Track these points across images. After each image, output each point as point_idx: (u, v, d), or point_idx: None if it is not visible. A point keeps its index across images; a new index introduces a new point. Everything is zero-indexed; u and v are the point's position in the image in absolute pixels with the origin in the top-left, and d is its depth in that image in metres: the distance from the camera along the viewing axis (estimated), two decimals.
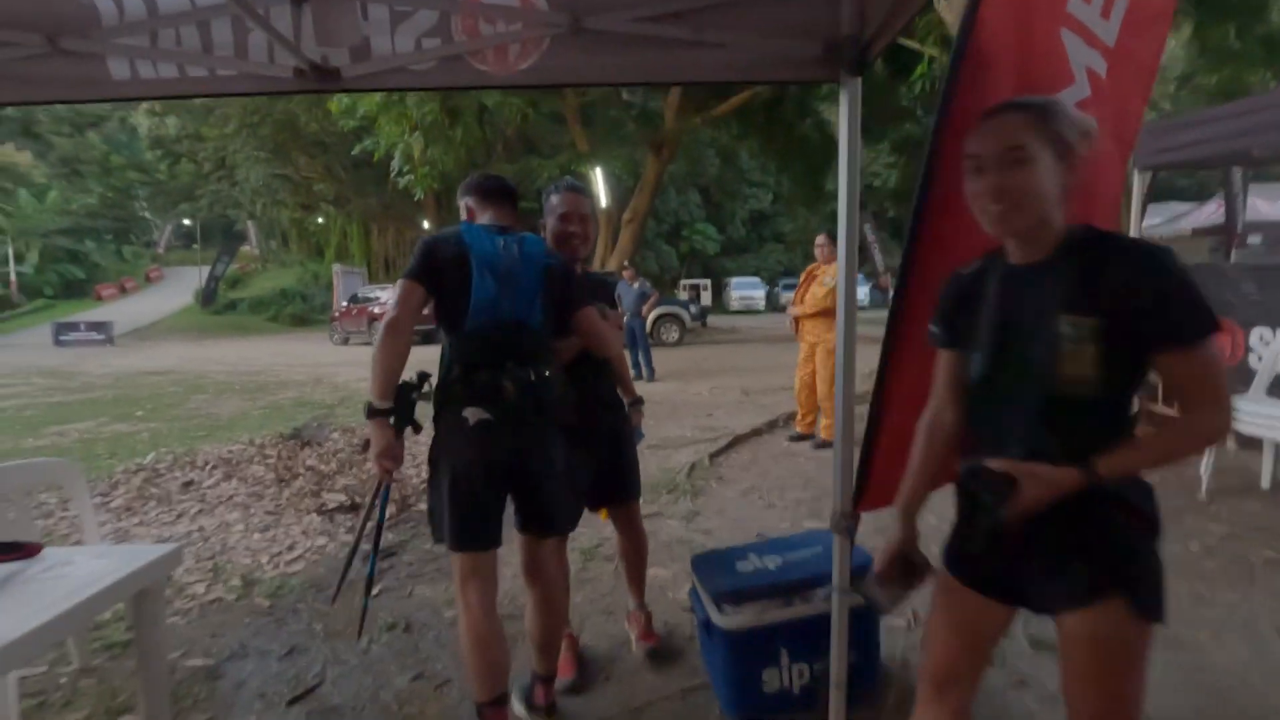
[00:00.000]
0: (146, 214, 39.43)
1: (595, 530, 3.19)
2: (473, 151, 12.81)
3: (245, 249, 36.02)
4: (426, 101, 9.73)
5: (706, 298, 30.02)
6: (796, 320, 5.14)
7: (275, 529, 3.55)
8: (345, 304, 19.41)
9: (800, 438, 5.20)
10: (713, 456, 4.72)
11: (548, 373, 1.73)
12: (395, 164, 11.19)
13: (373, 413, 1.60)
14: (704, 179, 31.13)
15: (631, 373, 8.41)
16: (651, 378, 8.86)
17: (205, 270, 30.42)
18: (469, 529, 1.66)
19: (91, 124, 33.15)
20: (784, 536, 2.32)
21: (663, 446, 5.07)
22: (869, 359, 1.55)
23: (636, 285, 9.00)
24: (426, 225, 26.69)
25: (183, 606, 2.75)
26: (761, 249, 38.48)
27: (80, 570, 1.56)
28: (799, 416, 5.26)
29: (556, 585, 1.92)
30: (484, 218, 1.87)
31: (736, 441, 5.15)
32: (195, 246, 35.70)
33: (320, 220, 32.18)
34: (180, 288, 32.20)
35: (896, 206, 24.24)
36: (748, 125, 18.20)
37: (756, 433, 5.45)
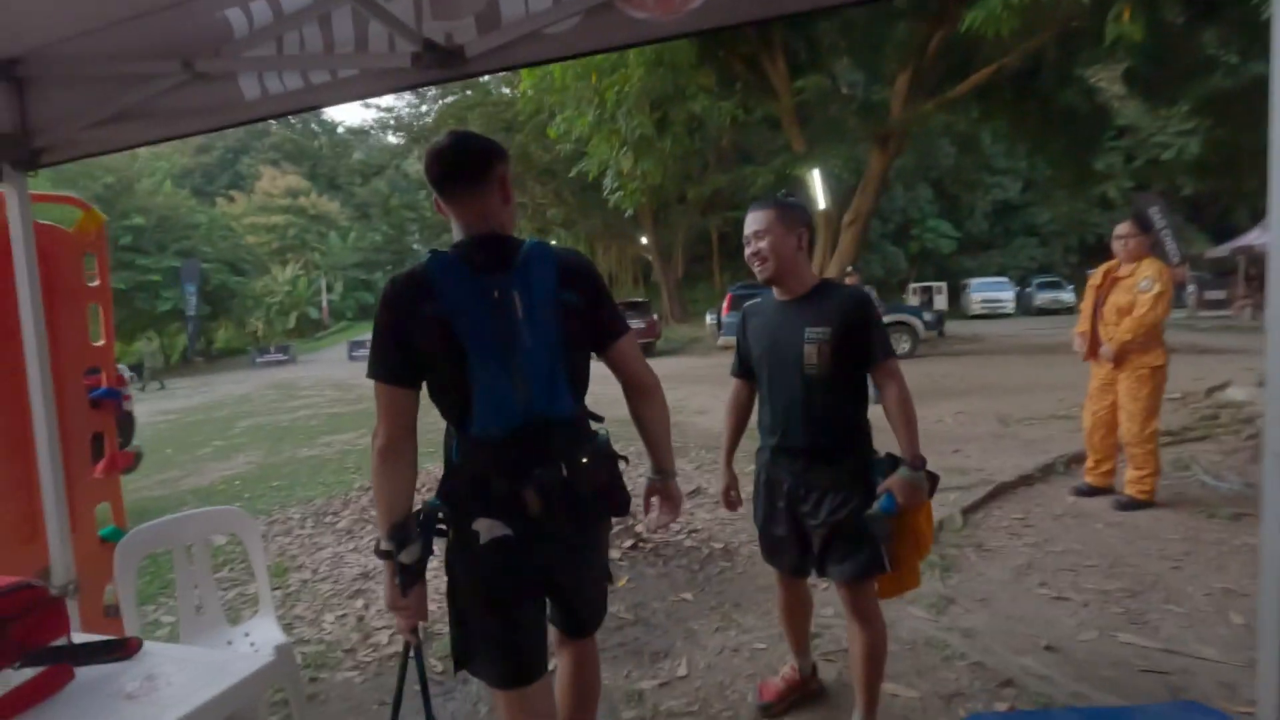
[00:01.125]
0: (417, 245, 46.11)
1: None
2: (684, 162, 12.66)
3: None
4: (635, 115, 9.69)
5: (940, 301, 26.94)
6: (1090, 337, 3.88)
7: None
8: None
9: (1092, 491, 3.92)
10: (966, 512, 3.70)
11: (585, 459, 1.32)
12: (608, 181, 11.36)
13: (381, 554, 1.28)
14: (936, 171, 28.11)
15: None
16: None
17: None
18: (509, 661, 1.33)
19: (375, 173, 39.52)
20: (1118, 708, 1.44)
21: None
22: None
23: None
24: (644, 240, 27.52)
25: (363, 659, 2.60)
26: (1009, 244, 33.84)
27: (163, 688, 1.30)
28: (1091, 464, 3.97)
29: (589, 686, 1.56)
30: (455, 225, 1.34)
31: (999, 492, 4.02)
32: None
33: (553, 243, 34.94)
34: None
35: (1197, 181, 19.49)
36: (992, 104, 15.86)
37: (1026, 480, 4.24)
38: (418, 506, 1.31)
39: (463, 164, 1.31)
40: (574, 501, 1.30)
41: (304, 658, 2.62)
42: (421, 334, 1.23)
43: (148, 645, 1.38)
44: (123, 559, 1.93)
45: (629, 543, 3.56)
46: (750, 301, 2.09)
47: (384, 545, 1.27)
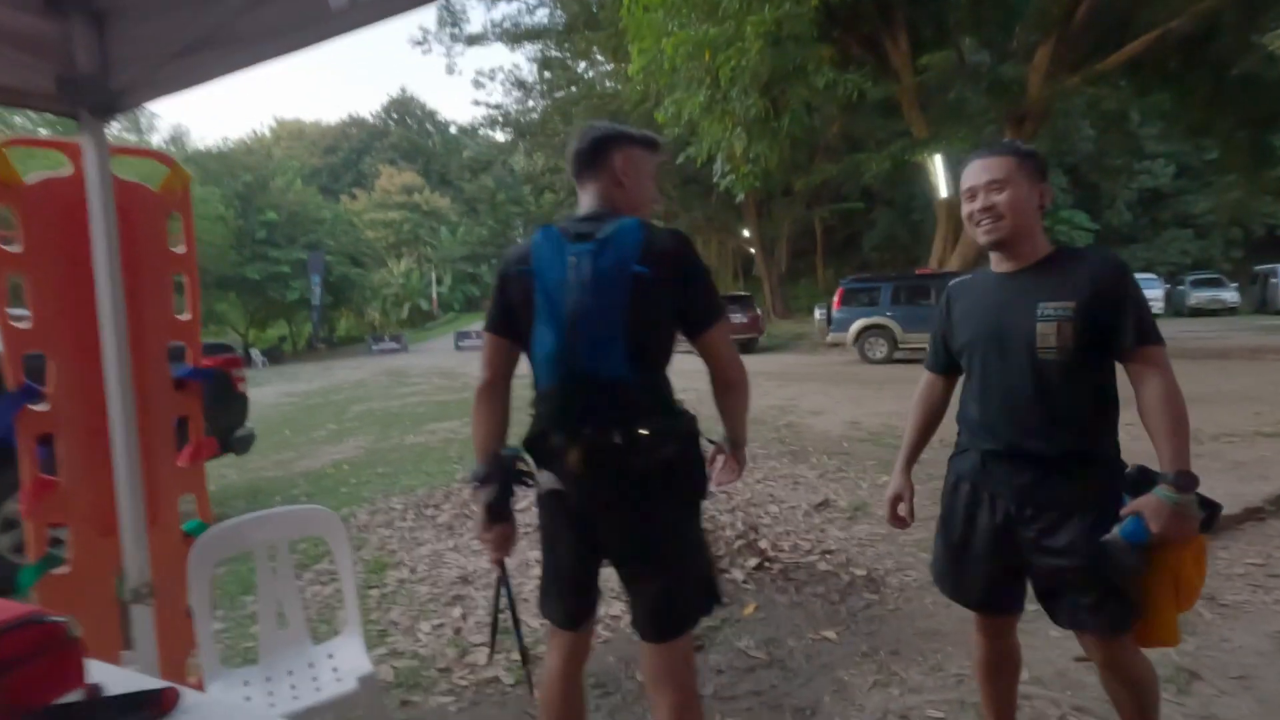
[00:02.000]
0: (521, 239, 47.58)
1: None
2: (797, 146, 11.95)
3: None
4: (750, 93, 9.11)
5: None
6: None
7: None
8: None
9: None
10: None
11: (645, 431, 1.31)
12: (717, 167, 10.84)
13: (473, 480, 1.43)
14: (1072, 156, 25.55)
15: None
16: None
17: None
18: (548, 598, 1.52)
19: (483, 168, 40.83)
20: None
21: None
22: None
23: None
24: (746, 234, 26.77)
25: (459, 682, 2.30)
26: (1157, 237, 30.49)
27: None
28: None
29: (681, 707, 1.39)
30: (580, 202, 1.48)
31: (1222, 528, 3.26)
32: None
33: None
34: None
35: None
36: (1151, 76, 14.05)
37: (1255, 514, 3.42)
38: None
39: (579, 152, 1.44)
40: (625, 470, 1.31)
41: (395, 673, 2.35)
42: (514, 290, 1.39)
43: (189, 697, 1.09)
44: (197, 563, 1.70)
45: (753, 561, 3.10)
46: (956, 280, 1.65)
47: (476, 473, 1.41)
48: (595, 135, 1.44)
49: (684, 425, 1.38)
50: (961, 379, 1.62)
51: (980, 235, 1.44)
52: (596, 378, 1.31)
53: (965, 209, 1.47)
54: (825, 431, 6.32)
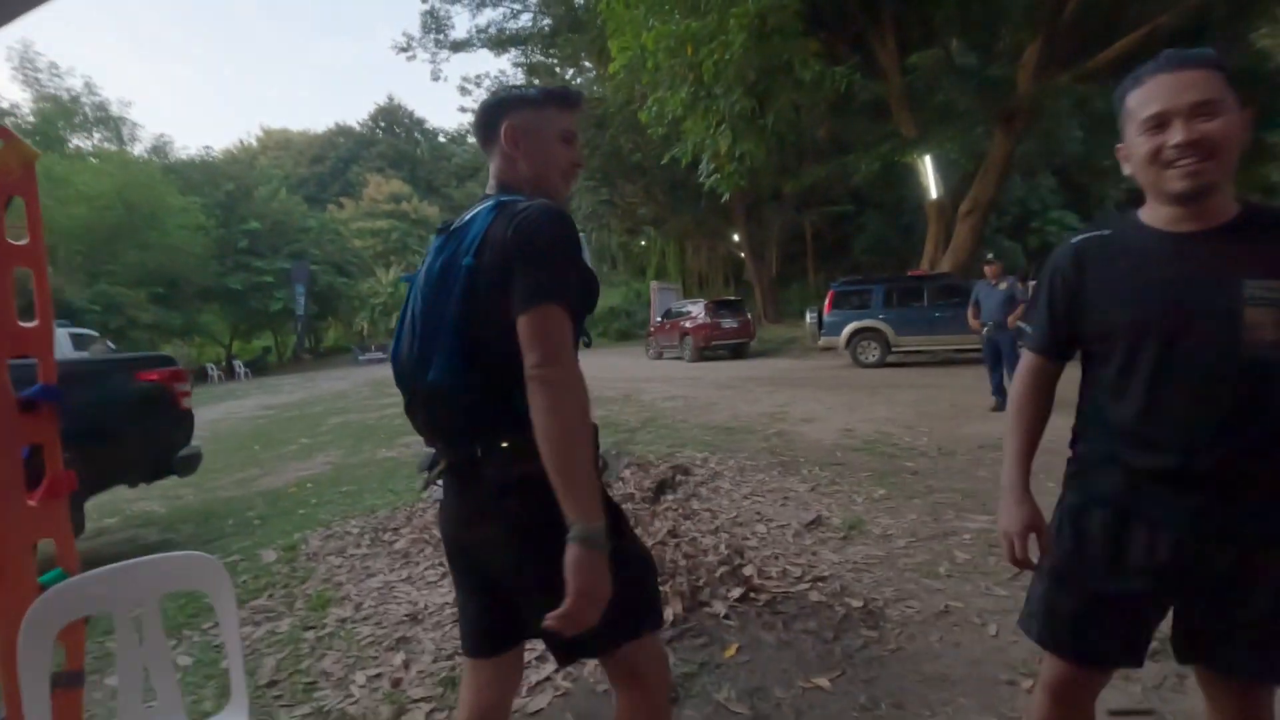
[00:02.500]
0: None
1: None
2: (784, 144, 11.67)
3: None
4: (735, 89, 8.82)
5: None
6: None
7: None
8: (659, 319, 19.90)
9: None
10: None
11: (479, 451, 1.14)
12: (702, 166, 10.55)
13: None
14: (1060, 157, 25.47)
15: (994, 400, 5.84)
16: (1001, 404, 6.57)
17: None
18: (459, 622, 1.35)
19: (470, 175, 40.49)
20: None
21: None
22: None
23: (1004, 286, 6.79)
24: (736, 238, 26.55)
25: None
26: None
27: None
28: None
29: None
30: None
31: None
32: None
33: (643, 242, 34.69)
34: None
35: None
36: None
37: None
38: None
39: (475, 129, 1.32)
40: (486, 485, 1.15)
41: None
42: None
43: None
44: (32, 631, 1.35)
45: (737, 592, 2.77)
46: (1087, 236, 1.26)
47: None
48: (483, 106, 1.30)
49: (513, 451, 1.13)
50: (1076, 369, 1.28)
51: (1177, 181, 1.08)
52: (432, 387, 1.14)
53: (1149, 143, 1.09)
54: (817, 440, 6.01)
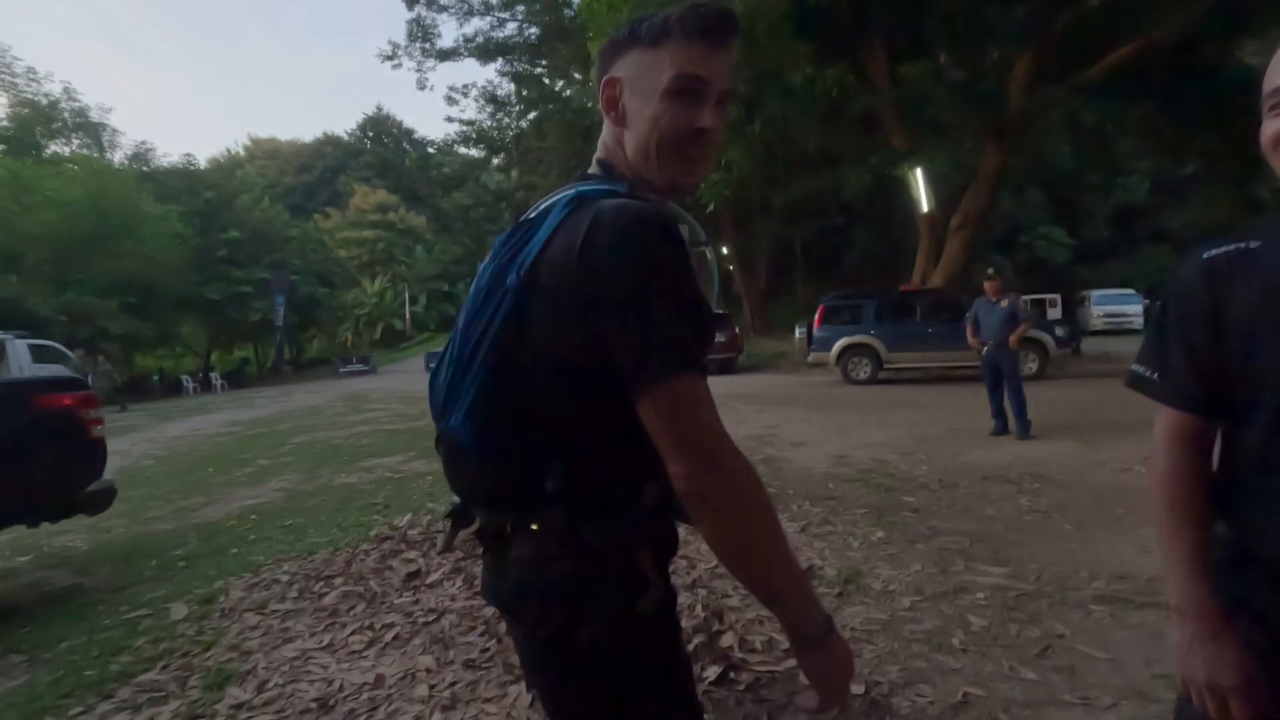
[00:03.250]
0: None
1: None
2: (773, 154, 11.32)
3: None
4: None
5: (1054, 314, 24.20)
6: None
7: (468, 706, 2.23)
8: None
9: None
10: None
11: (508, 526, 0.84)
12: None
13: None
14: (1048, 172, 25.39)
15: (994, 424, 5.35)
16: (1025, 432, 6.18)
17: None
18: None
19: (456, 185, 40.16)
20: None
21: (1130, 590, 2.75)
22: None
23: (1005, 303, 6.41)
24: (725, 250, 26.24)
25: None
26: (1134, 253, 30.50)
27: None
28: None
29: None
30: None
31: None
32: None
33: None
34: None
35: None
36: (1135, 88, 13.70)
37: None
38: None
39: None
40: (510, 578, 0.85)
41: None
42: None
43: None
44: None
45: (714, 671, 2.32)
46: (1223, 249, 0.87)
47: None
48: (599, 51, 0.93)
49: (553, 532, 0.81)
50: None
51: None
52: (452, 434, 0.87)
53: (1272, 126, 0.79)
54: (808, 468, 5.58)
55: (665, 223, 0.76)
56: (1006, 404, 6.40)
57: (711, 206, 11.17)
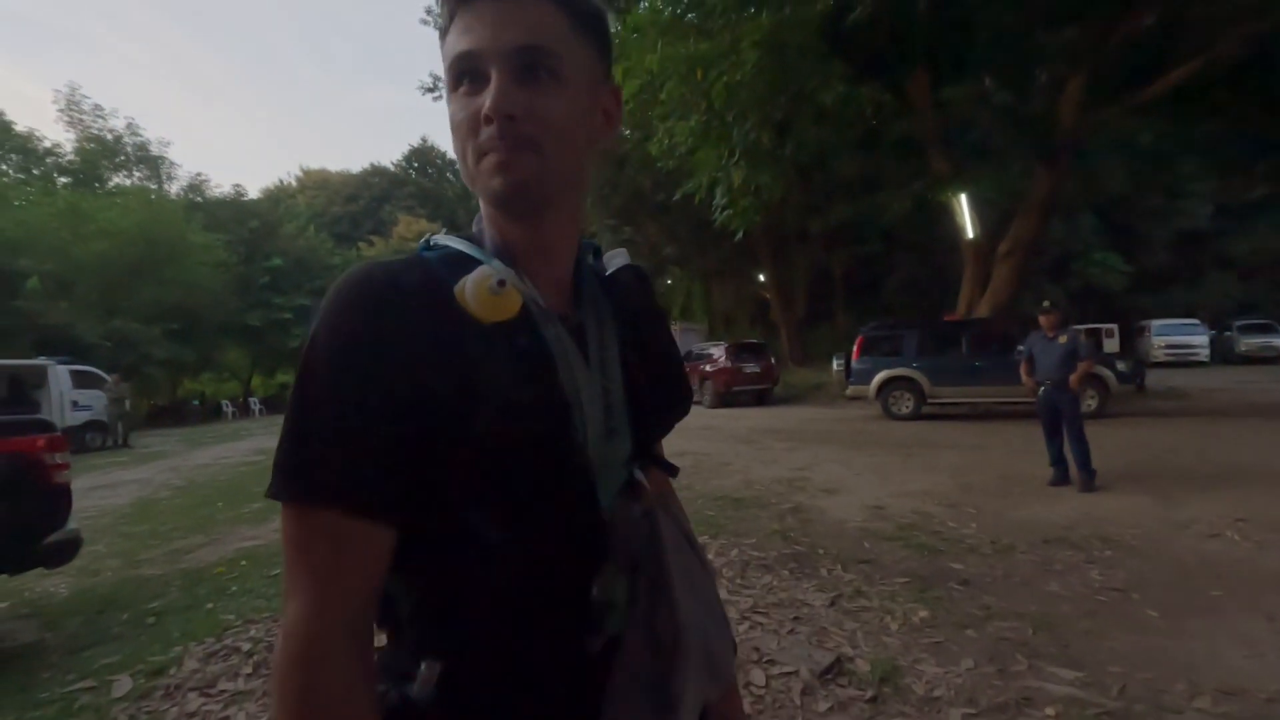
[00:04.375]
0: None
1: None
2: (807, 179, 10.87)
3: None
4: (750, 115, 8.04)
5: (1111, 347, 22.92)
6: None
7: None
8: None
9: None
10: None
11: None
12: (716, 199, 9.75)
13: None
14: (1102, 195, 24.29)
15: (1052, 472, 4.59)
16: (1089, 484, 5.53)
17: None
18: None
19: None
20: None
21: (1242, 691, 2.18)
22: None
23: (1063, 339, 5.79)
24: (762, 278, 25.76)
25: None
26: (1198, 280, 28.87)
27: None
28: None
29: None
30: None
31: None
32: None
33: (669, 281, 34.14)
34: None
35: None
36: (1198, 107, 12.91)
37: None
38: None
39: None
40: None
41: None
42: None
43: None
44: None
45: None
46: None
47: None
48: None
49: None
50: None
51: None
52: None
53: None
54: (841, 521, 5.03)
55: (349, 293, 0.59)
56: (1066, 450, 5.76)
57: (741, 233, 10.73)
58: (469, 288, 0.62)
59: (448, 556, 0.60)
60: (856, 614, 3.24)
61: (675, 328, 24.80)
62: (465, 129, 0.63)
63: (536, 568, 0.61)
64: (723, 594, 3.56)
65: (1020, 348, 6.15)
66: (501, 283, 0.62)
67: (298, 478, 0.55)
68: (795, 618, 3.22)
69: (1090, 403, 10.08)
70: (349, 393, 0.55)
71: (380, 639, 0.61)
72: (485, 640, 0.61)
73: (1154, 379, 16.68)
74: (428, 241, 0.70)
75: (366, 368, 0.56)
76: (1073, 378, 5.63)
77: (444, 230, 0.73)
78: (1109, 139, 14.94)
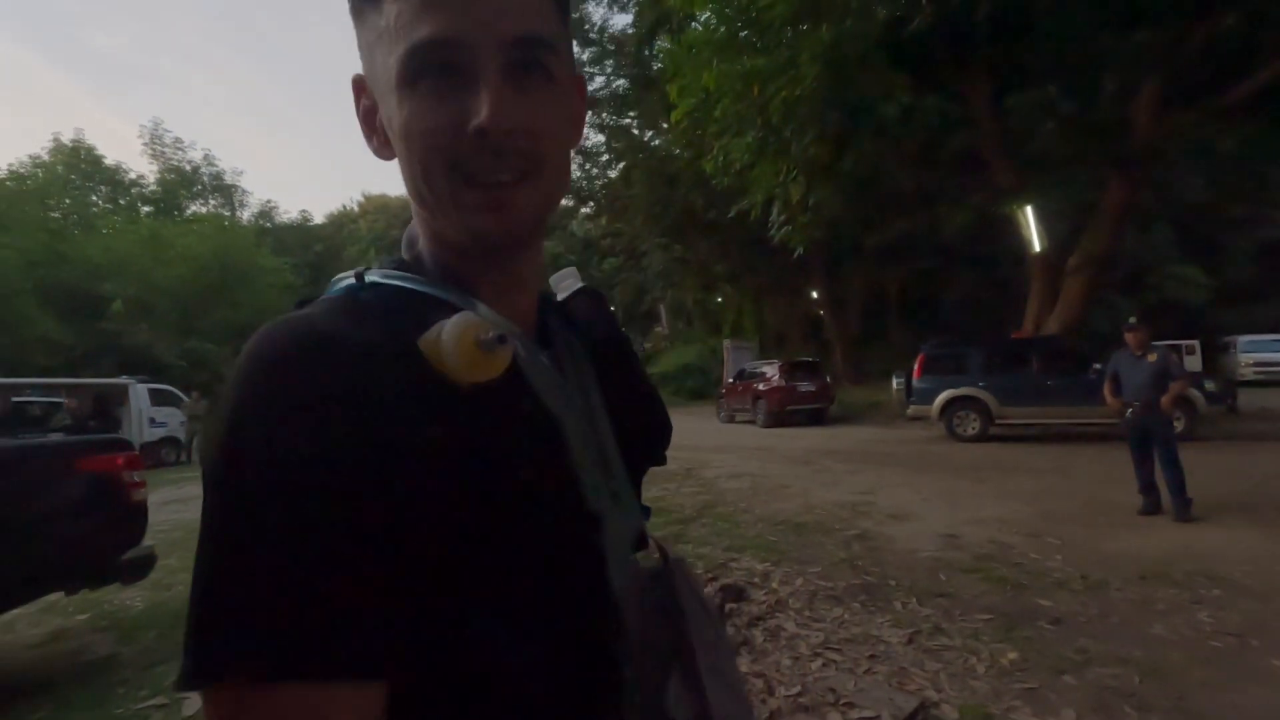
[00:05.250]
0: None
1: None
2: (865, 193, 10.63)
3: (657, 329, 40.21)
4: (808, 129, 7.90)
5: (1193, 364, 21.59)
6: None
7: None
8: (731, 380, 18.83)
9: None
10: None
11: None
12: (772, 218, 9.60)
13: None
14: (1178, 206, 23.05)
15: (1141, 501, 4.32)
16: (1185, 513, 5.12)
17: None
18: None
19: (546, 234, 41.44)
20: None
21: None
22: None
23: (1153, 358, 5.42)
24: (815, 295, 25.34)
25: None
26: None
27: None
28: None
29: None
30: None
31: None
32: None
33: (719, 299, 34.01)
34: None
35: None
36: None
37: None
38: None
39: None
40: None
41: None
42: None
43: None
44: None
45: None
46: None
47: None
48: None
49: None
50: None
51: None
52: None
53: None
54: (912, 550, 4.78)
55: (275, 371, 0.42)
56: (1158, 476, 5.36)
57: (799, 250, 10.54)
58: (448, 341, 0.46)
59: (448, 694, 0.47)
60: (938, 653, 3.02)
61: (725, 345, 24.67)
62: (435, 140, 0.48)
63: (550, 676, 0.49)
64: (790, 626, 3.40)
65: (1097, 365, 5.79)
66: (503, 339, 0.47)
67: (245, 644, 0.38)
68: (871, 655, 3.02)
69: (1177, 425, 9.43)
70: (307, 513, 0.39)
71: None
72: None
73: (1244, 399, 15.59)
74: (360, 277, 0.54)
75: (323, 475, 0.40)
76: (1165, 399, 5.25)
77: (377, 263, 0.57)
78: (1188, 146, 14.18)
